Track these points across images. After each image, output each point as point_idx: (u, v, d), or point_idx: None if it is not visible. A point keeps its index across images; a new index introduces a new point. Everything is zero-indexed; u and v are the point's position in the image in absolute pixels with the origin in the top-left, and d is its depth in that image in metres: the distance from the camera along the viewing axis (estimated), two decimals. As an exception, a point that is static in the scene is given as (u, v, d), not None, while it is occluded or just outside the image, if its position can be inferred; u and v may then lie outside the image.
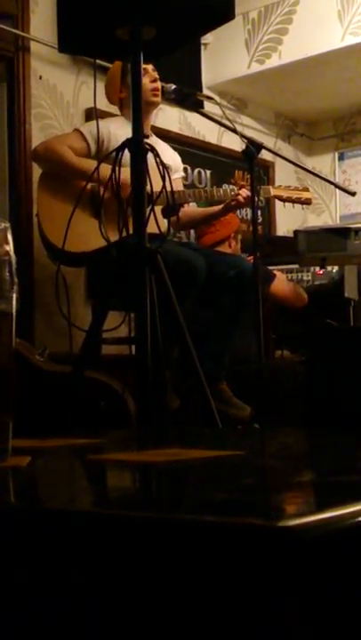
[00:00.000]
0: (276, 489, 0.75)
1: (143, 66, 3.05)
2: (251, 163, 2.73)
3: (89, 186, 2.63)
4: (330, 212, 5.71)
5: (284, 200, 3.29)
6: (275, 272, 3.71)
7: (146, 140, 2.05)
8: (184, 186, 3.51)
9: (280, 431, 1.80)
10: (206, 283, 2.91)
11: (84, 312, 3.69)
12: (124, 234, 2.08)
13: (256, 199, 2.79)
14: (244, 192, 3.10)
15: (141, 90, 2.08)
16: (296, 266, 4.07)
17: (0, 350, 0.92)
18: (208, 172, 4.91)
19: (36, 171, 3.40)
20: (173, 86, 3.02)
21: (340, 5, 4.49)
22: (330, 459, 0.99)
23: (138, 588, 0.53)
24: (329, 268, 3.99)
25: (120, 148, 2.08)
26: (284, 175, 5.34)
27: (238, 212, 4.26)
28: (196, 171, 4.80)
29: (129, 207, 2.04)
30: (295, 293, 3.75)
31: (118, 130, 2.95)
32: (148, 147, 2.03)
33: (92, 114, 3.67)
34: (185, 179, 3.84)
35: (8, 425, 0.92)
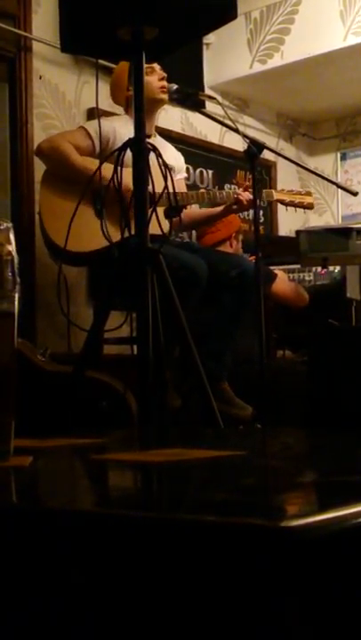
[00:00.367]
0: (278, 489, 0.75)
1: (150, 64, 3.07)
2: (253, 163, 2.73)
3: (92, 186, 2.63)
4: (332, 212, 5.71)
5: (286, 204, 3.30)
6: (276, 272, 3.72)
7: (148, 140, 2.04)
8: (186, 186, 3.51)
9: (282, 431, 1.80)
10: (208, 282, 2.91)
11: (86, 312, 3.69)
12: (126, 234, 2.08)
13: (258, 201, 2.79)
14: (246, 195, 3.10)
15: (143, 90, 2.08)
16: (298, 266, 4.07)
17: (2, 350, 0.92)
18: (210, 172, 4.91)
19: (38, 170, 3.40)
20: (175, 86, 3.03)
21: (343, 5, 4.49)
22: (331, 459, 0.98)
23: (138, 587, 0.53)
24: (331, 268, 3.99)
25: (122, 148, 2.08)
26: (285, 175, 5.34)
27: (240, 212, 4.25)
28: (198, 171, 4.80)
29: (131, 208, 2.05)
30: (296, 293, 3.75)
31: (122, 129, 2.95)
32: (150, 147, 2.03)
33: (93, 114, 3.66)
34: (187, 179, 3.84)
35: (10, 425, 0.92)
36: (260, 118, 5.33)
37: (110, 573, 0.55)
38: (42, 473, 0.94)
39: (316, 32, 4.56)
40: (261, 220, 4.89)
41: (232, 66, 4.84)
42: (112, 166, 2.16)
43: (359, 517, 0.53)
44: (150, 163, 2.05)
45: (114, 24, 1.99)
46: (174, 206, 2.19)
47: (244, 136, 2.76)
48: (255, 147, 2.72)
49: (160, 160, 2.06)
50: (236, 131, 2.77)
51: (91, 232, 2.81)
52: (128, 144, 2.05)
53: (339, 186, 3.92)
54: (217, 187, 4.91)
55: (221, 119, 2.98)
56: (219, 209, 3.29)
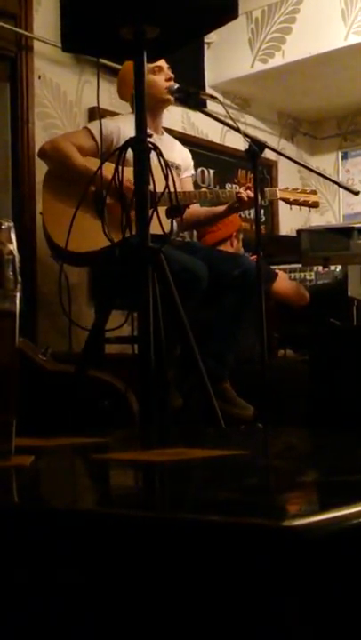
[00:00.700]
0: (280, 489, 0.75)
1: (159, 64, 3.07)
2: (254, 162, 2.73)
3: (93, 186, 2.63)
4: (333, 211, 5.71)
5: (290, 203, 3.29)
6: (277, 271, 3.72)
7: (150, 139, 2.04)
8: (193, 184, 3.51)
9: (283, 431, 1.80)
10: (209, 282, 2.91)
11: (87, 311, 3.69)
12: (128, 234, 2.08)
13: (260, 200, 2.78)
14: (248, 192, 3.09)
15: (144, 89, 2.08)
16: (299, 265, 4.07)
17: (3, 349, 0.92)
18: (211, 171, 4.91)
19: (40, 170, 3.40)
20: (177, 85, 3.03)
21: (344, 4, 4.49)
22: (333, 458, 0.98)
23: (139, 587, 0.53)
24: (332, 268, 3.99)
25: (123, 147, 2.08)
26: (287, 174, 5.33)
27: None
28: (200, 170, 4.79)
29: (132, 207, 2.04)
30: (297, 292, 3.75)
31: (127, 127, 2.93)
32: (151, 146, 2.03)
33: (95, 113, 3.67)
34: (194, 176, 3.83)
35: (11, 424, 0.92)
36: (261, 117, 5.33)
37: (111, 573, 0.54)
38: (43, 472, 0.94)
39: (318, 31, 4.56)
40: (263, 219, 4.89)
41: (233, 65, 4.84)
42: (114, 166, 2.16)
43: (360, 517, 0.53)
44: (153, 162, 2.04)
45: (115, 23, 1.99)
46: (176, 206, 2.18)
47: (246, 135, 2.76)
48: (256, 146, 2.72)
49: (161, 159, 2.05)
50: (238, 130, 2.76)
51: (92, 232, 2.80)
52: (129, 143, 2.04)
53: (340, 185, 3.91)
54: (218, 186, 4.91)
55: (223, 118, 2.98)
56: (221, 208, 3.28)
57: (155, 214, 2.03)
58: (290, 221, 5.25)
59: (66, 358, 2.60)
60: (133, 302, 2.02)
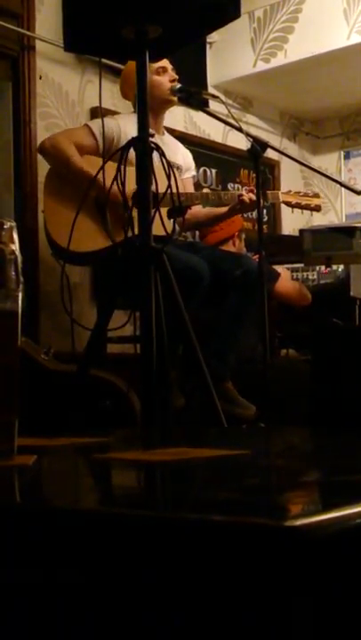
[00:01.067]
0: (282, 488, 0.75)
1: (163, 65, 3.07)
2: (256, 162, 2.73)
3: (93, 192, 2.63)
4: (335, 210, 5.70)
5: (292, 206, 3.28)
6: (279, 271, 3.71)
7: (152, 139, 2.04)
8: (194, 185, 3.50)
9: (285, 430, 1.80)
10: (211, 281, 2.91)
11: (89, 311, 3.69)
12: (130, 234, 2.08)
13: (262, 202, 2.78)
14: (249, 195, 3.08)
15: (146, 89, 2.08)
16: (301, 265, 4.06)
17: (5, 349, 0.92)
18: (213, 171, 4.90)
19: (42, 169, 3.40)
20: (179, 85, 3.02)
21: (346, 4, 4.49)
22: (335, 458, 0.98)
23: (140, 586, 0.53)
24: (334, 267, 3.99)
25: (125, 147, 2.08)
26: (289, 174, 5.33)
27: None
28: (202, 170, 4.79)
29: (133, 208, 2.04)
30: (299, 292, 3.75)
31: (129, 127, 2.93)
32: (153, 146, 2.03)
33: (97, 113, 3.67)
34: (195, 177, 3.83)
35: (13, 424, 0.92)
36: (263, 117, 5.33)
37: (112, 573, 0.55)
38: (45, 472, 0.94)
39: (320, 31, 4.55)
40: (265, 218, 4.89)
41: (235, 64, 4.84)
42: (116, 165, 2.16)
43: (363, 517, 0.53)
44: (155, 162, 2.04)
45: (117, 23, 1.99)
46: (178, 206, 2.18)
47: (248, 135, 2.76)
48: (259, 145, 2.72)
49: (163, 159, 2.05)
50: (240, 130, 2.76)
51: (94, 232, 2.81)
52: (131, 143, 2.04)
53: (343, 185, 3.90)
54: (220, 186, 4.91)
55: (225, 118, 2.98)
56: (223, 209, 3.28)
57: (157, 215, 2.03)
58: (292, 221, 5.25)
59: (68, 358, 2.60)
60: (136, 302, 2.02)
